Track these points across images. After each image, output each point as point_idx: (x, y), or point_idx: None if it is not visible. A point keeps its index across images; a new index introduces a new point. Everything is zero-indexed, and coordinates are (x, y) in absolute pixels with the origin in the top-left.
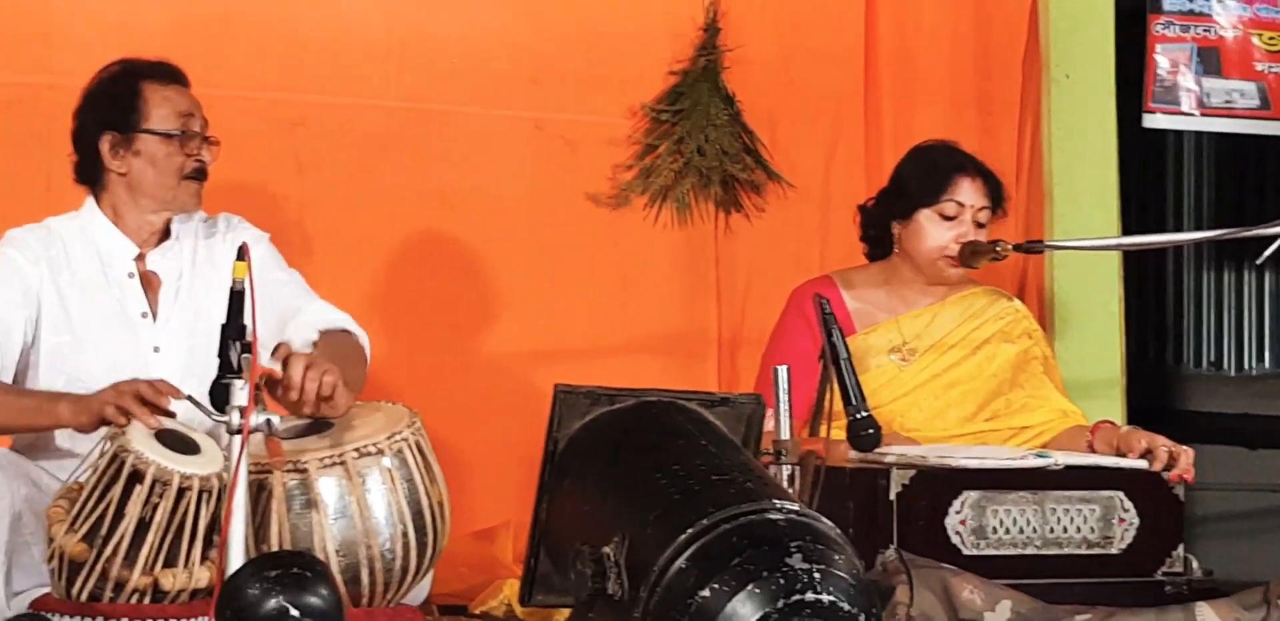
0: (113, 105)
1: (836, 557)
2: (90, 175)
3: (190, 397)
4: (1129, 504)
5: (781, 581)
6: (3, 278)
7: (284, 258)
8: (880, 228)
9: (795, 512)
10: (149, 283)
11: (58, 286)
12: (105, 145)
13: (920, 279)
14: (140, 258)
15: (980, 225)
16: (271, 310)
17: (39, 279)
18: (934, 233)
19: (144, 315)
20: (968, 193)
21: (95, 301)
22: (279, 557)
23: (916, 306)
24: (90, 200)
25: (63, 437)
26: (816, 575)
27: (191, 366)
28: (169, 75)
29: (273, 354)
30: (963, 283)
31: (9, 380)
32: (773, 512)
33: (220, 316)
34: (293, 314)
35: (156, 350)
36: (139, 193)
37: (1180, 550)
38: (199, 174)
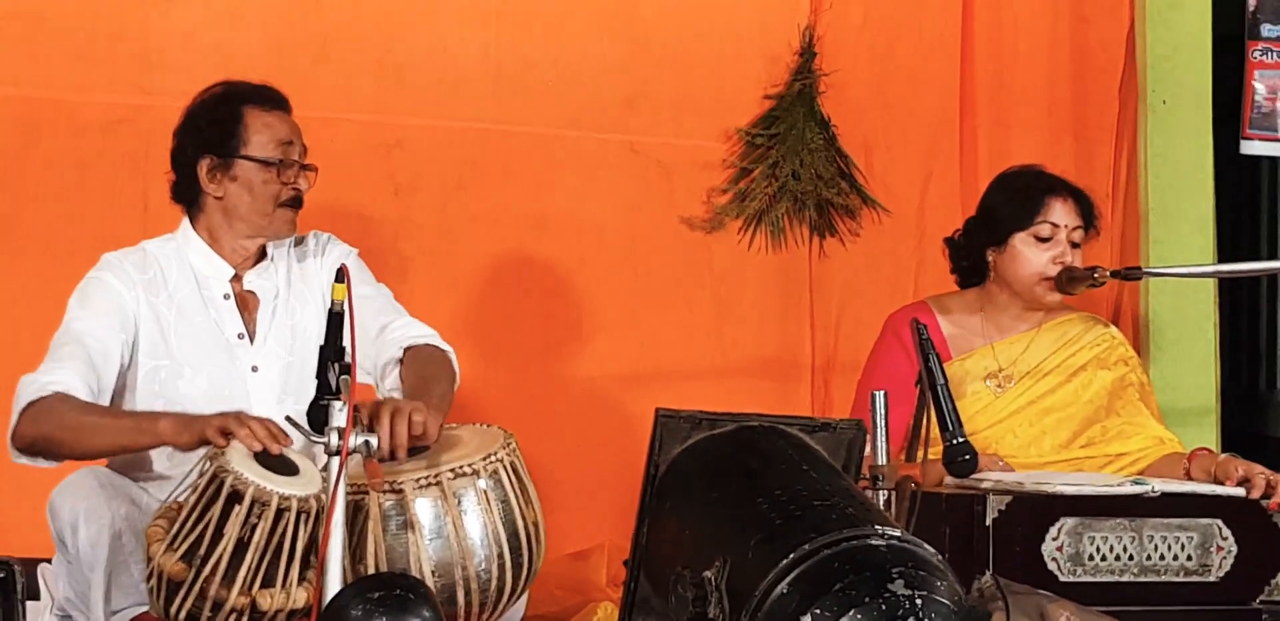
0: (213, 129)
1: (938, 584)
2: (187, 196)
3: (289, 418)
4: (1227, 531)
5: (883, 607)
6: (100, 303)
7: (379, 278)
8: (974, 257)
9: (897, 538)
10: (245, 303)
11: (154, 310)
12: (203, 169)
13: (1017, 304)
14: (236, 278)
15: (1075, 245)
16: (360, 326)
17: (135, 302)
18: (1031, 256)
19: (240, 336)
20: (1060, 213)
21: (192, 324)
22: (382, 579)
23: (1012, 333)
24: (186, 222)
25: (160, 459)
26: (919, 601)
27: (288, 385)
28: (271, 100)
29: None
30: (1058, 309)
31: (107, 403)
32: (875, 538)
33: (315, 335)
34: (377, 331)
35: (255, 370)
36: (234, 217)
37: (1279, 578)
38: (295, 202)
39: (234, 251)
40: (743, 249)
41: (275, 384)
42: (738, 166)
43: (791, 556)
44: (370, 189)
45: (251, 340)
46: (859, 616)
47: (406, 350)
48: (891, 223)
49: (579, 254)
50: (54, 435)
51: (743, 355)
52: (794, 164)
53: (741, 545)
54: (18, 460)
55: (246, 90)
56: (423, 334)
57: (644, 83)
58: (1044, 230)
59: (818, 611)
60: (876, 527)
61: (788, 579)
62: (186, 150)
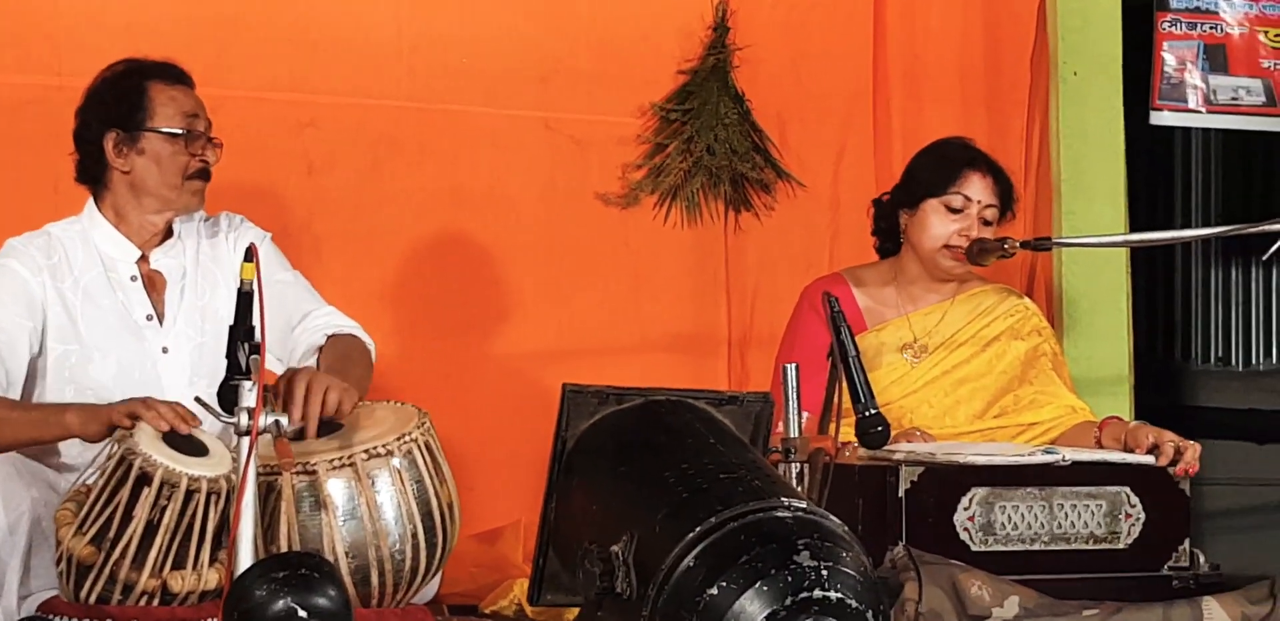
0: (118, 103)
1: (844, 555)
2: (92, 174)
3: (199, 399)
4: (1135, 499)
5: (789, 579)
6: (5, 292)
7: (294, 258)
8: (890, 219)
9: (803, 510)
10: (152, 284)
11: (61, 294)
12: (109, 143)
13: (926, 275)
14: (143, 259)
15: (987, 223)
16: (277, 312)
17: (42, 288)
18: (937, 223)
19: (149, 318)
20: (976, 188)
21: (100, 307)
22: (287, 559)
23: (926, 304)
24: (91, 203)
25: (69, 450)
26: (824, 572)
27: (200, 366)
28: (174, 75)
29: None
30: (971, 280)
31: (16, 395)
32: (781, 510)
33: (226, 316)
34: (299, 317)
35: (165, 351)
36: (142, 192)
37: (1186, 545)
38: (202, 174)
39: (141, 229)
40: (658, 224)
41: (186, 365)
42: (652, 142)
43: (698, 529)
44: (284, 168)
45: (160, 321)
46: (765, 588)
47: (329, 337)
48: (806, 196)
49: (495, 231)
50: None
51: (660, 330)
52: (708, 139)
53: (648, 519)
54: None
55: (150, 66)
56: (346, 324)
57: (558, 59)
58: (955, 201)
59: (724, 584)
60: (783, 500)
61: (694, 552)
62: (91, 126)
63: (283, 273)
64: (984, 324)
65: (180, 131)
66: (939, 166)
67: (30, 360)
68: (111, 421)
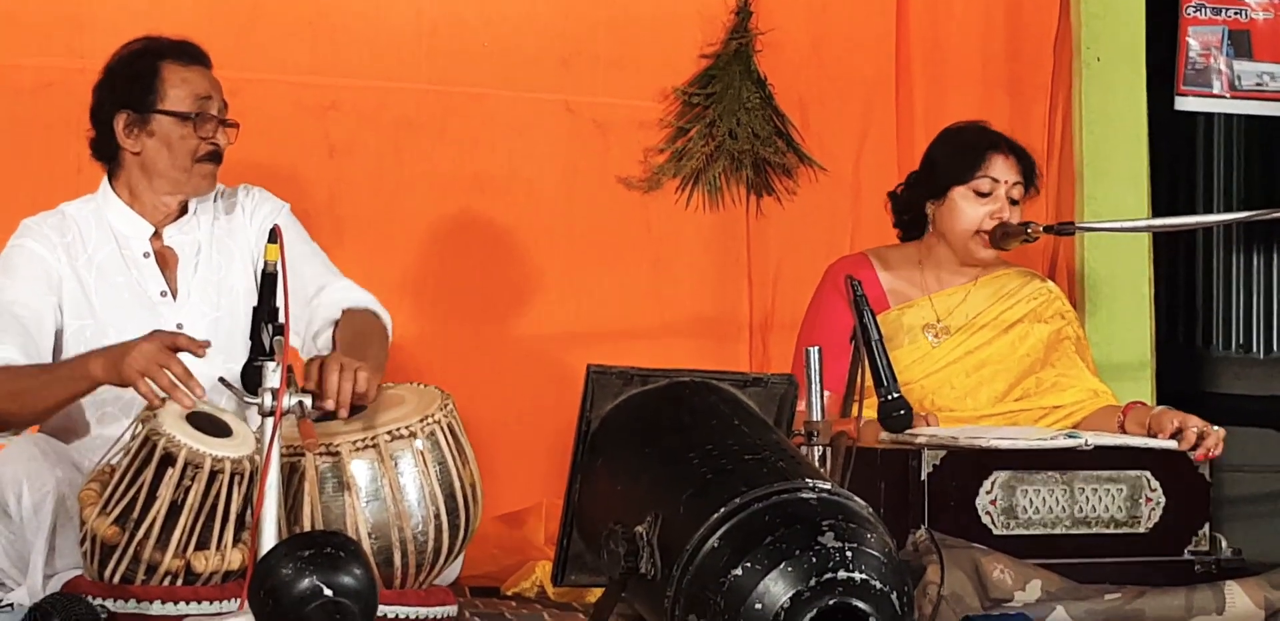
0: (130, 84)
1: (868, 536)
2: (105, 153)
3: (222, 379)
4: (1155, 483)
5: (814, 560)
6: (25, 269)
7: (313, 239)
8: (914, 210)
9: (828, 491)
10: (165, 260)
11: (76, 271)
12: (120, 124)
13: (954, 259)
14: (156, 235)
15: (1014, 202)
16: (294, 285)
17: (59, 264)
18: (968, 210)
19: (163, 294)
20: (1001, 168)
21: (114, 284)
22: (312, 538)
23: (950, 286)
24: (105, 181)
25: (92, 422)
26: (849, 553)
27: (215, 342)
28: (190, 55)
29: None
30: (995, 263)
31: None
32: (805, 491)
33: (242, 290)
34: (315, 291)
35: (180, 327)
36: (152, 173)
37: (1206, 529)
38: (213, 157)
39: (155, 208)
40: (680, 208)
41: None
42: (674, 126)
43: (722, 510)
44: (305, 151)
45: (174, 297)
46: (790, 569)
47: (344, 312)
48: (828, 181)
49: (516, 214)
50: (1, 408)
51: (681, 314)
52: (730, 123)
53: (673, 500)
54: None
55: (165, 45)
56: (362, 298)
57: (579, 42)
58: (984, 185)
59: (749, 564)
60: (807, 481)
61: (719, 533)
62: (104, 106)
63: (301, 245)
64: (1006, 306)
65: (190, 113)
66: (961, 153)
67: (56, 336)
68: (129, 379)
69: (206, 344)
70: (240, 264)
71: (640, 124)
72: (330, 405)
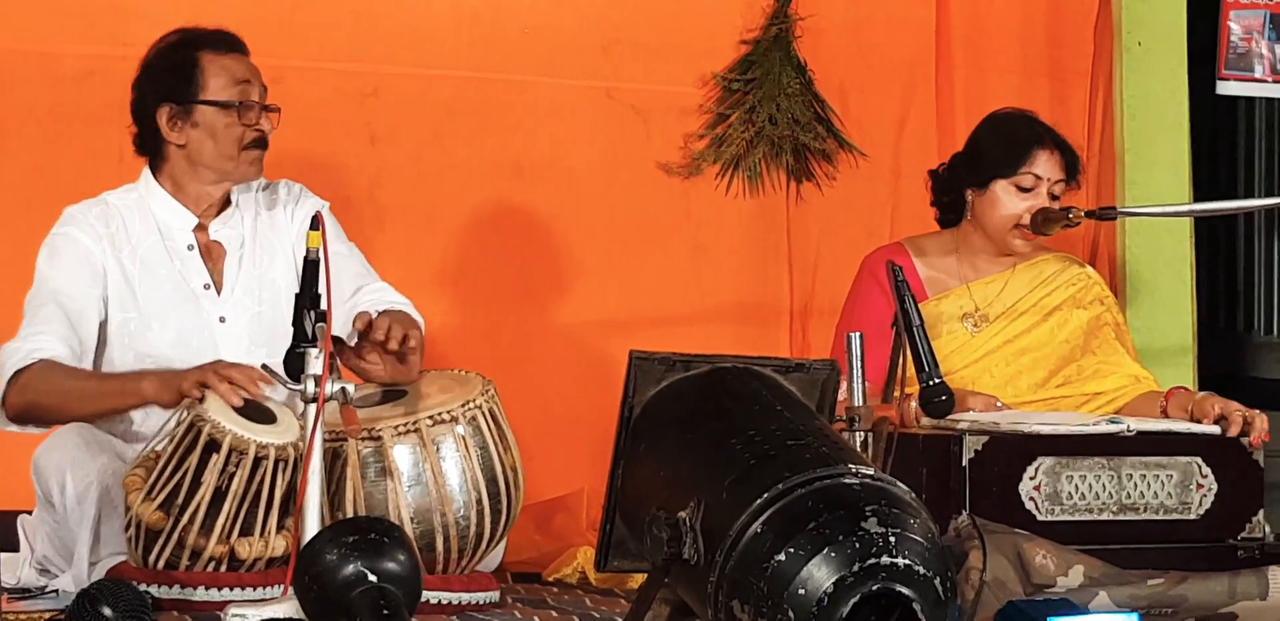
0: (170, 76)
1: (911, 521)
2: (149, 147)
3: (265, 366)
4: (1207, 469)
5: (857, 545)
6: (70, 259)
7: (355, 228)
8: (954, 193)
9: (870, 477)
10: (210, 253)
11: (120, 262)
12: (163, 117)
13: (991, 247)
14: (200, 228)
15: (1055, 198)
16: (332, 284)
17: (103, 255)
18: (1009, 203)
19: (206, 287)
20: (1045, 165)
21: (157, 275)
22: (357, 523)
23: (987, 274)
24: (147, 171)
25: (137, 420)
26: (892, 539)
27: (257, 335)
28: (226, 43)
29: (354, 322)
30: (1034, 249)
31: (89, 361)
32: (848, 477)
33: (284, 285)
34: (352, 291)
35: (222, 320)
36: (198, 164)
37: (1260, 516)
38: (259, 143)
39: (199, 199)
40: (720, 194)
41: (244, 334)
42: (714, 112)
43: (765, 495)
44: (346, 138)
45: (218, 291)
46: (832, 554)
47: (380, 313)
48: (868, 166)
49: (556, 201)
50: (41, 402)
51: (720, 300)
52: (770, 109)
53: (716, 485)
54: (6, 427)
55: (201, 35)
56: (399, 300)
57: (619, 28)
58: (1026, 181)
59: (792, 550)
60: (850, 466)
61: (762, 518)
62: (146, 100)
63: (338, 245)
64: (1045, 293)
65: (233, 102)
66: (1007, 147)
67: (99, 327)
68: (182, 391)
69: (268, 380)
70: (283, 259)
71: (680, 110)
72: (380, 335)
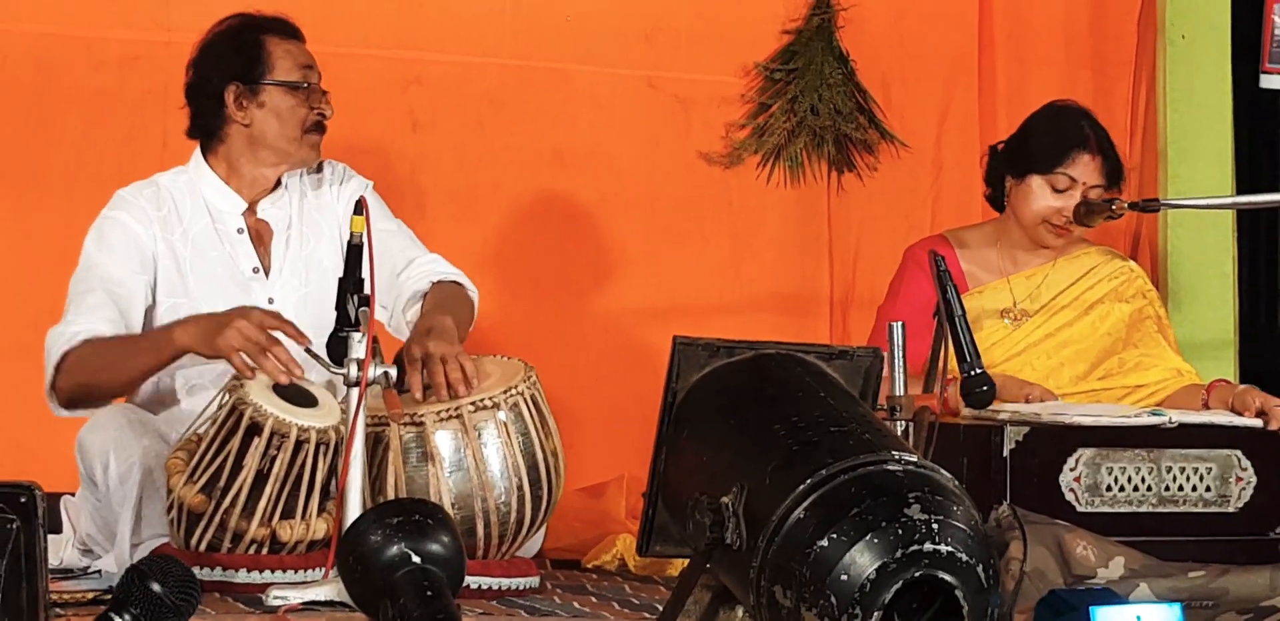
0: (238, 56)
1: (954, 509)
2: (208, 128)
3: (309, 350)
4: (1247, 462)
5: (900, 531)
6: (119, 244)
7: (397, 214)
8: (996, 178)
9: (914, 464)
10: (259, 236)
11: (171, 246)
12: (230, 95)
13: (1027, 240)
14: (249, 211)
15: None
16: (383, 259)
17: (153, 240)
18: (1041, 198)
19: (255, 270)
20: (1083, 170)
21: (208, 259)
22: (401, 505)
23: (1028, 266)
24: (198, 154)
25: (181, 394)
26: (935, 525)
27: (304, 317)
28: (288, 30)
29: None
30: (1075, 242)
31: None
32: (891, 463)
33: (330, 266)
34: (404, 264)
35: (270, 302)
36: (260, 145)
37: None
38: (319, 127)
39: (253, 182)
40: (761, 184)
41: (290, 316)
42: (756, 101)
43: (809, 481)
44: (389, 124)
45: (267, 274)
46: (875, 540)
47: (433, 284)
48: (909, 157)
49: (597, 189)
50: (88, 381)
51: (760, 290)
52: (812, 99)
53: (759, 471)
54: (59, 413)
55: (265, 20)
56: (450, 271)
57: (661, 17)
58: (1061, 181)
59: (834, 535)
60: (893, 453)
61: (805, 504)
62: (211, 79)
63: (386, 222)
64: (1087, 286)
65: (301, 83)
66: (1051, 144)
67: (145, 313)
68: (218, 348)
69: (294, 332)
70: (329, 240)
71: (722, 99)
72: (444, 393)
